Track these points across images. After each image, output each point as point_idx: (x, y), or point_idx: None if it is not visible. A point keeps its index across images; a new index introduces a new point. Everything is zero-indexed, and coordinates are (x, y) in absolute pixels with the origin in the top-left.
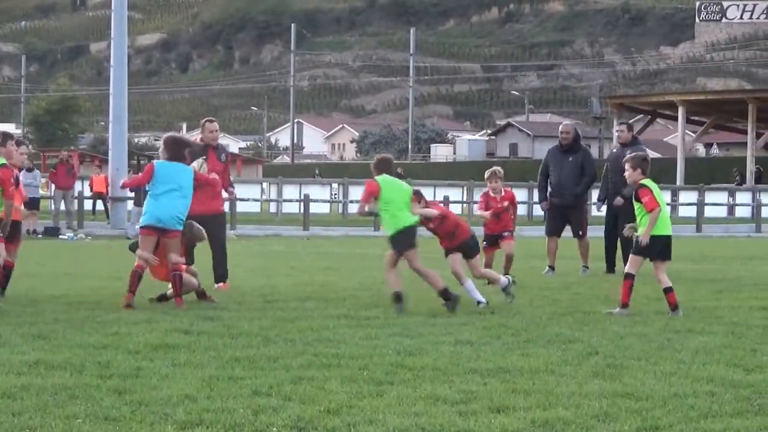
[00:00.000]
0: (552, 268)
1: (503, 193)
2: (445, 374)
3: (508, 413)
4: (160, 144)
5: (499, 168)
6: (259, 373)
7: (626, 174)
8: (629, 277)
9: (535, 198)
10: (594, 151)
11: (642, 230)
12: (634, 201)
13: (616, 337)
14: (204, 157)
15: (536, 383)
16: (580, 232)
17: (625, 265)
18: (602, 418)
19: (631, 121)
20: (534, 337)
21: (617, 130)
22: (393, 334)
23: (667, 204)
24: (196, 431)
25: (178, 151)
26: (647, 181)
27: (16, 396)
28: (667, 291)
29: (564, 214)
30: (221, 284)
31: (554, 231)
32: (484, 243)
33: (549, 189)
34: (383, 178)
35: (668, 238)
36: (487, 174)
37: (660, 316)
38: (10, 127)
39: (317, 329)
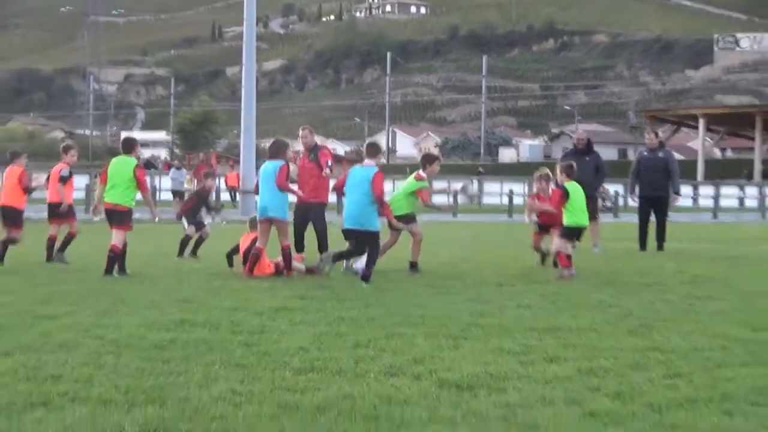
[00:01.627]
0: (574, 247)
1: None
2: (509, 331)
3: (560, 363)
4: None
5: (545, 170)
6: (359, 330)
7: (557, 176)
8: (558, 253)
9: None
10: (631, 154)
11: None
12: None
13: (647, 302)
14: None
15: (582, 339)
16: (596, 216)
17: (658, 243)
18: (635, 367)
19: (659, 130)
20: (581, 302)
21: (647, 138)
22: (468, 300)
23: (690, 196)
24: (309, 376)
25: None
26: (569, 185)
27: (165, 347)
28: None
29: None
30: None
31: None
32: (537, 229)
33: None
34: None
35: (584, 228)
36: (535, 175)
37: (683, 285)
38: (160, 135)
39: (407, 296)
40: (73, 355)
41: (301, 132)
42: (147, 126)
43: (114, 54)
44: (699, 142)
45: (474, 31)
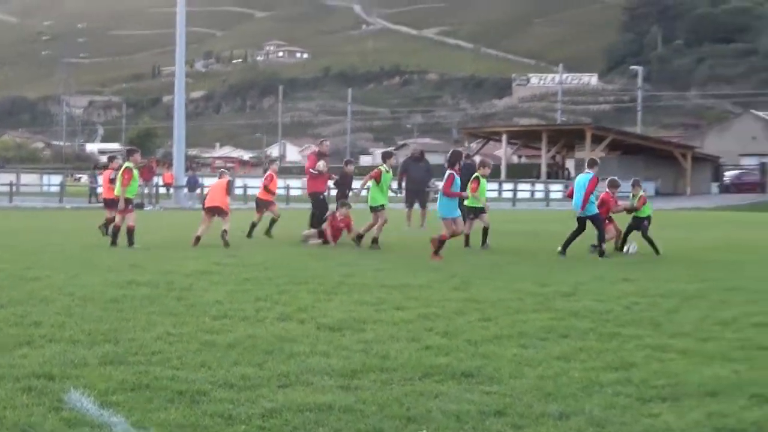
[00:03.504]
0: (409, 226)
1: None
2: (368, 287)
3: (404, 310)
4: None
5: (614, 179)
6: (260, 287)
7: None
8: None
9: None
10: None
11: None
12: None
13: (468, 265)
14: (323, 161)
15: (420, 293)
16: (425, 205)
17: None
18: (458, 313)
19: (473, 144)
20: (420, 267)
21: (463, 149)
22: (339, 265)
23: (495, 191)
24: (223, 321)
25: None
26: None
27: (118, 300)
28: (485, 232)
29: (416, 195)
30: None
31: (411, 205)
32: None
33: (405, 181)
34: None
35: (480, 209)
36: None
37: (492, 254)
38: (115, 146)
39: (295, 261)
40: (50, 306)
41: (326, 143)
42: (105, 139)
43: (81, 86)
44: (503, 152)
45: (342, 71)
